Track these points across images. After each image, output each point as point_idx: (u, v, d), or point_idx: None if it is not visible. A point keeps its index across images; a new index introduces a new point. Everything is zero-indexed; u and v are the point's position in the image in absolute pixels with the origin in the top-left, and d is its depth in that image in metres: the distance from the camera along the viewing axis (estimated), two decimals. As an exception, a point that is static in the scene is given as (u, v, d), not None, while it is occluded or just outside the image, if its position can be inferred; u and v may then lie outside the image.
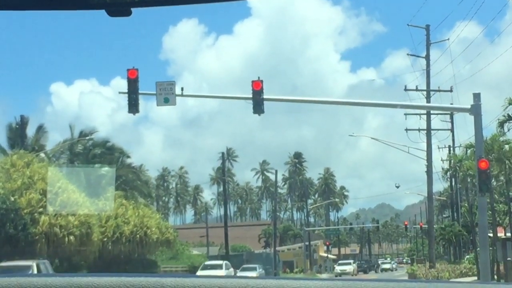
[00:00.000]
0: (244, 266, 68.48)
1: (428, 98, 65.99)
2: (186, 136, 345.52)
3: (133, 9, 3.11)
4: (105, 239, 55.21)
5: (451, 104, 59.95)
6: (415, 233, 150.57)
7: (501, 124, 46.57)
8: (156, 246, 64.04)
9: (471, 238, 67.21)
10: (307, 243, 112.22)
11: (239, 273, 58.82)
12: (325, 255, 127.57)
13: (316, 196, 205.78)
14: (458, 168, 63.16)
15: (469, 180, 59.00)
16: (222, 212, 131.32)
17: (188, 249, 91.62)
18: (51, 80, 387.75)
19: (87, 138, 69.96)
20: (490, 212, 48.12)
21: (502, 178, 50.64)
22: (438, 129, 74.37)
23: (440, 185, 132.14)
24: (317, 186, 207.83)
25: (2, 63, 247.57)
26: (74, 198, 46.48)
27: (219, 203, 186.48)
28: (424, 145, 67.04)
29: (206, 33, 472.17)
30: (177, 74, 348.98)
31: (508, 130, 46.87)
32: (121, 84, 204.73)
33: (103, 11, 3.08)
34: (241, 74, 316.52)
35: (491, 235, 46.29)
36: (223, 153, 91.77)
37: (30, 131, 67.43)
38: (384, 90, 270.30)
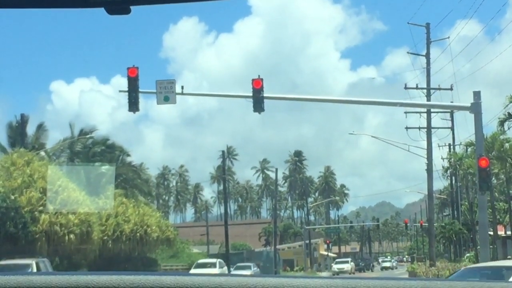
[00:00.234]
0: (239, 264, 68.13)
1: (428, 96, 65.95)
2: (186, 135, 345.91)
3: (132, 7, 3.10)
4: (105, 237, 55.24)
5: (451, 102, 59.92)
6: (415, 231, 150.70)
7: (502, 123, 46.57)
8: (157, 244, 64.06)
9: (472, 236, 67.30)
10: (307, 241, 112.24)
11: (233, 272, 58.55)
12: (326, 253, 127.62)
13: (317, 194, 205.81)
14: (458, 166, 63.33)
15: (469, 178, 59.06)
16: (222, 210, 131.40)
17: (189, 247, 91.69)
18: (51, 78, 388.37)
19: (87, 136, 69.98)
20: (491, 210, 48.17)
21: (502, 176, 50.67)
22: (438, 127, 74.40)
23: (440, 183, 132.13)
24: (317, 184, 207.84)
25: (2, 62, 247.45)
26: (74, 197, 46.48)
27: (220, 201, 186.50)
28: (424, 143, 67.02)
29: (207, 31, 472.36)
30: (177, 72, 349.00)
31: (509, 128, 46.89)
32: (121, 82, 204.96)
33: (103, 9, 3.07)
34: (241, 73, 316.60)
35: (491, 233, 46.31)
36: (223, 152, 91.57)
37: (30, 129, 67.48)
38: (384, 88, 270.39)
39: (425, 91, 66.58)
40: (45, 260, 38.27)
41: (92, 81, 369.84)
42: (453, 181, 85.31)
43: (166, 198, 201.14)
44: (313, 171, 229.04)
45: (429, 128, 66.95)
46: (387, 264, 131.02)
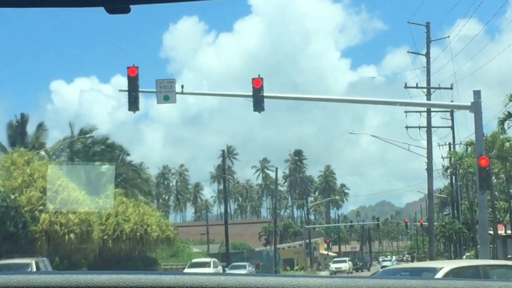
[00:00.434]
0: (234, 264, 67.84)
1: (428, 96, 65.96)
2: (186, 134, 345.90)
3: (132, 7, 3.10)
4: (106, 237, 55.25)
5: (452, 101, 59.93)
6: (416, 230, 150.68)
7: (502, 122, 46.58)
8: (157, 244, 64.07)
9: (472, 235, 67.30)
10: (307, 240, 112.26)
11: (228, 271, 58.24)
12: (326, 252, 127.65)
13: (317, 193, 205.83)
14: (458, 166, 63.29)
15: (469, 177, 59.06)
16: (222, 209, 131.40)
17: (189, 246, 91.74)
18: (51, 78, 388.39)
19: (87, 136, 70.01)
20: (491, 210, 48.17)
21: (502, 175, 50.67)
22: (438, 127, 74.37)
23: (440, 183, 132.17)
24: (317, 183, 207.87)
25: (2, 61, 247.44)
26: (74, 196, 46.48)
27: (220, 200, 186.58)
28: (424, 143, 67.02)
29: (207, 30, 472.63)
30: (177, 72, 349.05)
31: (509, 127, 46.89)
32: (121, 82, 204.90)
33: (103, 8, 3.08)
34: (241, 72, 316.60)
35: (491, 232, 46.31)
36: (223, 151, 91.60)
37: (30, 129, 67.53)
38: (384, 88, 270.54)
39: (425, 90, 66.60)
40: (45, 259, 38.26)
41: (92, 80, 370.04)
42: (453, 180, 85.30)
43: (166, 197, 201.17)
44: (313, 171, 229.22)
45: (429, 127, 66.96)
46: (387, 264, 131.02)
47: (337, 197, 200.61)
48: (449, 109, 67.81)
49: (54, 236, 46.75)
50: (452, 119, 78.57)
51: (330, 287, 3.02)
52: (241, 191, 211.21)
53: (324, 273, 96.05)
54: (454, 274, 15.33)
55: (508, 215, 52.67)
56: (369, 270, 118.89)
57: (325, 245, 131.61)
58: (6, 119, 66.10)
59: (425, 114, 66.74)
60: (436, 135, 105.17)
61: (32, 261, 35.13)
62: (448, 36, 76.50)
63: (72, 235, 47.37)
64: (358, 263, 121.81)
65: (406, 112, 67.73)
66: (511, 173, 48.10)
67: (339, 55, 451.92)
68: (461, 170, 64.34)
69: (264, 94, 33.52)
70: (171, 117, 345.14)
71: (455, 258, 77.47)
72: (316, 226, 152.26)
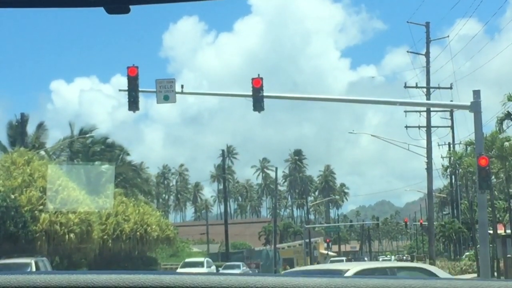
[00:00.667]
0: (227, 264, 67.56)
1: (428, 95, 66.00)
2: (186, 134, 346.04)
3: (132, 7, 3.10)
4: (105, 236, 55.23)
5: (451, 101, 59.94)
6: (415, 230, 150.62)
7: (500, 122, 46.54)
8: (157, 243, 64.05)
9: (471, 235, 67.24)
10: (307, 240, 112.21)
11: (221, 271, 57.85)
12: (326, 252, 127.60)
13: (316, 193, 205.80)
14: (458, 165, 63.23)
15: (469, 177, 59.02)
16: (222, 209, 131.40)
17: (189, 246, 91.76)
18: (51, 77, 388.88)
19: (87, 135, 69.98)
20: (490, 209, 48.13)
21: (502, 175, 50.64)
22: (438, 126, 74.45)
23: (440, 182, 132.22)
24: (317, 183, 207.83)
25: (2, 61, 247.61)
26: (74, 196, 46.47)
27: (219, 200, 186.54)
28: (424, 142, 67.07)
29: (206, 30, 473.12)
30: (177, 71, 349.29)
31: (508, 127, 46.84)
32: (121, 81, 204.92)
33: (103, 8, 3.08)
34: (241, 72, 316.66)
35: (491, 232, 46.28)
36: (223, 151, 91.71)
37: (31, 128, 67.55)
38: (384, 87, 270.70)
39: (425, 90, 66.64)
40: (44, 259, 38.27)
41: (92, 80, 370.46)
42: (453, 180, 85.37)
43: (166, 197, 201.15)
44: (313, 170, 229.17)
45: (428, 127, 66.98)
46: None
47: (337, 197, 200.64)
48: (448, 109, 67.88)
49: (54, 236, 46.73)
50: (452, 119, 78.69)
51: (330, 287, 3.03)
52: (241, 190, 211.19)
53: None
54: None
55: (507, 214, 52.63)
56: None
57: (325, 244, 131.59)
58: (6, 119, 66.29)
59: (424, 113, 66.77)
60: (435, 135, 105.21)
61: (31, 261, 35.13)
62: (448, 36, 76.52)
63: (72, 235, 47.34)
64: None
65: (405, 111, 67.78)
66: (511, 172, 48.06)
67: (339, 55, 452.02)
68: (460, 170, 64.25)
69: (264, 94, 33.50)
70: (171, 117, 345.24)
71: (454, 258, 77.55)
72: (316, 226, 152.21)
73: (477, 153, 33.72)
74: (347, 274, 15.18)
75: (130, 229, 57.84)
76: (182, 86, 35.80)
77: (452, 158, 69.41)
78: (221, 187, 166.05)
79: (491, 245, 44.59)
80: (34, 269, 32.89)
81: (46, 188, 45.26)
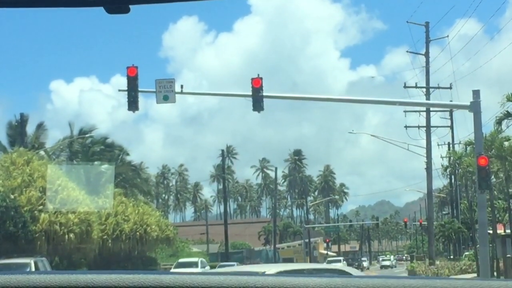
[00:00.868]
0: (221, 264, 67.47)
1: (427, 95, 66.00)
2: (186, 134, 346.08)
3: (132, 7, 3.10)
4: (105, 236, 55.21)
5: (451, 101, 59.94)
6: (415, 230, 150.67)
7: (499, 122, 46.50)
8: (156, 243, 64.03)
9: (471, 235, 67.27)
10: (307, 240, 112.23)
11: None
12: (325, 252, 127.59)
13: (316, 193, 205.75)
14: (457, 165, 63.21)
15: (468, 177, 59.02)
16: (222, 209, 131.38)
17: (188, 246, 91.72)
18: (51, 77, 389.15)
19: (86, 135, 69.94)
20: (490, 209, 48.12)
21: (501, 175, 50.62)
22: (437, 126, 74.48)
23: (439, 182, 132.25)
24: (317, 183, 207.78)
25: (1, 61, 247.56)
26: (74, 196, 46.45)
27: (219, 200, 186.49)
28: (423, 142, 67.11)
29: (206, 30, 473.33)
30: (176, 71, 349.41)
31: (508, 127, 46.81)
32: (121, 81, 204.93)
33: (102, 8, 3.08)
34: (241, 72, 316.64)
35: (490, 232, 46.27)
36: (223, 151, 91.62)
37: (30, 129, 67.52)
38: (384, 87, 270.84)
39: (424, 90, 66.65)
40: (44, 259, 38.27)
41: (91, 80, 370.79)
42: (453, 180, 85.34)
43: (166, 197, 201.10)
44: (313, 170, 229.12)
45: (428, 127, 66.99)
46: (387, 263, 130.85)
47: (336, 197, 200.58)
48: (448, 109, 67.85)
49: (54, 236, 46.73)
50: (451, 119, 78.69)
51: (329, 287, 3.03)
52: (240, 190, 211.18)
53: None
54: None
55: (507, 214, 52.62)
56: (362, 270, 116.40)
57: (325, 244, 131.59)
58: (5, 119, 66.27)
59: (424, 113, 66.79)
60: (435, 135, 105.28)
61: (31, 261, 35.13)
62: (447, 36, 76.36)
63: (71, 235, 47.34)
64: (354, 263, 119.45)
65: (405, 111, 67.78)
66: (510, 172, 48.04)
67: (338, 55, 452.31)
68: (460, 170, 64.22)
69: (264, 94, 33.49)
70: (171, 117, 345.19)
71: (454, 258, 77.54)
72: (316, 226, 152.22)
73: (477, 153, 33.71)
74: None
75: (129, 229, 57.82)
76: (181, 86, 35.79)
77: (451, 158, 69.39)
78: (220, 187, 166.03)
79: (490, 245, 44.58)
80: (33, 269, 32.88)
81: (45, 188, 45.25)
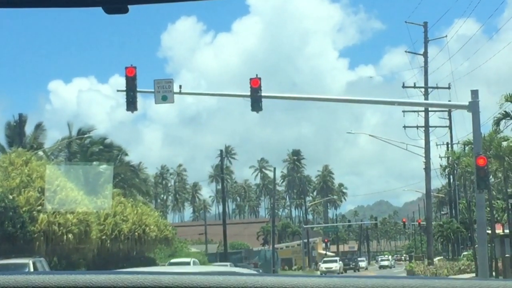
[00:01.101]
0: (214, 264, 67.33)
1: (426, 95, 66.04)
2: (184, 134, 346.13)
3: (130, 7, 3.10)
4: (104, 237, 55.17)
5: (449, 101, 60.01)
6: (414, 230, 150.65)
7: (497, 122, 46.54)
8: (155, 243, 63.96)
9: (470, 235, 67.29)
10: (305, 240, 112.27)
11: None
12: (324, 252, 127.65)
13: (315, 193, 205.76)
14: (456, 165, 63.26)
15: (467, 176, 59.05)
16: (220, 209, 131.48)
17: (187, 246, 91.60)
18: (49, 78, 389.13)
19: (85, 136, 69.88)
20: (488, 209, 48.14)
21: (500, 175, 50.65)
22: (436, 126, 74.53)
23: (438, 182, 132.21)
24: (315, 183, 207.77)
25: (0, 61, 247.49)
26: (73, 196, 46.39)
27: (218, 200, 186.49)
28: (422, 142, 67.12)
29: (205, 30, 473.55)
30: (175, 72, 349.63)
31: (506, 127, 46.86)
32: (120, 82, 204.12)
33: (101, 8, 3.08)
34: (239, 72, 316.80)
35: (489, 231, 46.30)
36: (221, 151, 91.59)
37: (29, 129, 67.48)
38: (382, 87, 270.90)
39: (423, 90, 66.67)
40: (42, 259, 38.22)
41: (90, 80, 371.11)
42: (451, 180, 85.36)
43: (165, 197, 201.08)
44: (311, 170, 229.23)
45: (427, 127, 67.03)
46: (385, 263, 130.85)
47: (335, 197, 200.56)
48: (446, 109, 67.86)
49: (52, 236, 46.67)
50: (450, 119, 78.74)
51: (328, 287, 3.03)
52: (239, 191, 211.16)
53: (319, 272, 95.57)
54: None
55: (506, 214, 52.66)
56: (358, 271, 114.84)
57: (323, 244, 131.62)
58: (4, 119, 66.11)
59: (422, 113, 66.82)
60: (434, 135, 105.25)
61: (29, 261, 35.08)
62: (446, 36, 76.39)
63: (70, 235, 47.29)
64: (351, 263, 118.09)
65: (404, 111, 67.82)
66: (509, 172, 48.09)
67: (337, 55, 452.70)
68: (459, 170, 64.31)
69: (262, 94, 33.49)
70: (169, 117, 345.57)
71: (453, 258, 77.54)
72: (314, 226, 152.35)
73: (475, 153, 33.73)
74: None
75: (128, 230, 57.77)
76: (180, 86, 35.80)
77: (450, 158, 69.44)
78: (219, 187, 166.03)
79: (489, 245, 44.61)
80: (32, 269, 32.87)
81: (44, 188, 45.19)
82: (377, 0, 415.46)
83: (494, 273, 48.47)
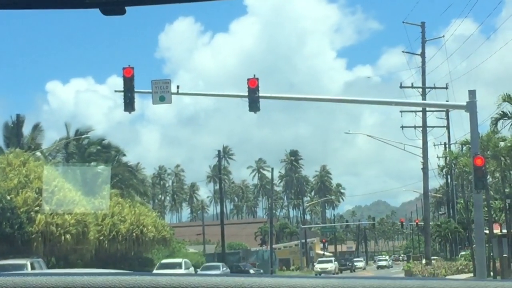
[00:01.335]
0: (206, 264, 66.87)
1: (423, 95, 66.05)
2: (182, 134, 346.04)
3: (128, 8, 3.10)
4: (102, 237, 55.16)
5: (447, 101, 60.00)
6: (411, 230, 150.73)
7: (495, 122, 46.57)
8: (153, 244, 63.93)
9: (467, 235, 67.31)
10: (303, 240, 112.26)
11: (200, 273, 56.01)
12: (322, 252, 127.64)
13: (312, 193, 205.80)
14: (454, 165, 63.27)
15: (465, 177, 59.07)
16: (218, 210, 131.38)
17: (185, 247, 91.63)
18: (47, 78, 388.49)
19: (83, 136, 69.86)
20: (486, 209, 48.17)
21: (497, 175, 50.68)
22: (433, 126, 74.56)
23: (436, 182, 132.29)
24: (313, 183, 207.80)
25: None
26: (70, 197, 46.37)
27: (216, 201, 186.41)
28: (420, 142, 67.15)
29: (202, 31, 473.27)
30: (173, 72, 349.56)
31: (504, 127, 46.88)
32: (117, 82, 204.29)
33: (98, 9, 3.07)
34: (237, 72, 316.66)
35: (487, 232, 46.31)
36: (219, 151, 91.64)
37: (26, 129, 67.43)
38: (380, 88, 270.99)
39: (420, 90, 66.70)
40: (40, 260, 38.22)
41: (88, 81, 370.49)
42: (449, 180, 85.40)
43: (162, 198, 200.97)
44: (309, 171, 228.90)
45: (424, 127, 67.05)
46: (383, 263, 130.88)
47: (332, 197, 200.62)
48: (444, 109, 67.95)
49: (50, 237, 46.63)
50: (448, 119, 78.75)
51: (325, 287, 3.03)
52: (237, 191, 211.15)
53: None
54: None
55: (503, 214, 52.70)
56: (354, 271, 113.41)
57: (321, 245, 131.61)
58: (2, 120, 66.00)
59: (420, 114, 66.86)
60: (431, 135, 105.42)
61: (27, 262, 35.08)
62: (443, 36, 76.71)
63: (68, 236, 47.25)
64: (347, 263, 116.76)
65: (401, 112, 67.86)
66: (506, 172, 48.13)
67: (334, 55, 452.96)
68: (456, 170, 64.33)
69: (260, 94, 33.49)
70: (167, 117, 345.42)
71: (450, 258, 77.59)
72: (312, 226, 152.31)
73: (473, 153, 33.74)
74: None
75: (126, 230, 57.76)
76: (178, 87, 35.82)
77: (448, 158, 69.43)
78: (217, 187, 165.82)
79: (487, 245, 44.63)
80: (29, 270, 32.84)
81: (42, 189, 45.17)
82: (374, 0, 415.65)
83: (492, 273, 48.49)
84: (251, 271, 68.92)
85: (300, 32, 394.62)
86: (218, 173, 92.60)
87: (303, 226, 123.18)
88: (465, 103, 34.43)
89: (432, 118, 75.93)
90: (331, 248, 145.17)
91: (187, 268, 55.60)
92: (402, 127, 67.94)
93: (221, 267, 62.69)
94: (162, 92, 34.56)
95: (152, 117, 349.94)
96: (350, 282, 3.04)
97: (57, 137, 76.42)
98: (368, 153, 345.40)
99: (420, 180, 70.47)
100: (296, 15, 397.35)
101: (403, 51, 71.53)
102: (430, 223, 76.71)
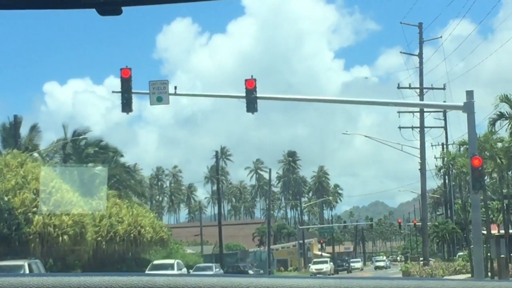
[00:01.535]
0: (199, 265, 66.81)
1: (421, 96, 66.09)
2: (180, 135, 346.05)
3: (125, 8, 3.10)
4: (99, 238, 55.12)
5: (444, 101, 60.01)
6: (409, 230, 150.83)
7: (492, 123, 46.60)
8: (150, 245, 63.90)
9: (465, 235, 67.37)
10: (301, 241, 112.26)
11: (193, 273, 55.68)
12: (319, 253, 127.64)
13: (310, 194, 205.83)
14: (451, 166, 63.33)
15: (462, 177, 59.11)
16: (216, 210, 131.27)
17: (182, 248, 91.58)
18: (44, 79, 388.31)
19: (80, 137, 69.84)
20: (484, 210, 48.20)
21: (495, 175, 50.71)
22: (431, 127, 74.66)
23: (433, 183, 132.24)
24: (311, 184, 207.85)
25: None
26: (68, 198, 46.34)
27: (213, 201, 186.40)
28: (417, 143, 67.20)
29: (200, 32, 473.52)
30: (170, 73, 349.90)
31: (501, 127, 46.92)
32: (115, 83, 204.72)
33: (95, 10, 3.07)
34: (234, 73, 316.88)
35: (484, 232, 46.34)
36: (217, 152, 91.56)
37: (24, 130, 67.38)
38: (377, 88, 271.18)
39: (418, 90, 66.75)
40: (37, 261, 38.18)
41: (85, 82, 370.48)
42: (447, 181, 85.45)
43: (160, 198, 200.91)
44: (307, 171, 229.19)
45: (422, 127, 67.08)
46: (381, 264, 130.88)
47: (330, 198, 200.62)
48: (442, 110, 67.98)
49: (48, 238, 46.59)
50: (445, 120, 78.85)
51: (323, 288, 3.02)
52: (234, 192, 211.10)
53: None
54: None
55: (501, 215, 52.72)
56: (350, 272, 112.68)
57: (319, 245, 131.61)
58: (-1, 121, 66.09)
59: (418, 114, 66.90)
60: (429, 135, 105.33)
61: (25, 263, 35.04)
62: (441, 37, 76.78)
63: (65, 237, 47.21)
64: (343, 264, 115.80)
65: (399, 112, 67.92)
66: (504, 173, 48.16)
67: (332, 56, 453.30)
68: (454, 170, 64.37)
69: (257, 95, 33.49)
70: (165, 118, 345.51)
71: (448, 258, 77.59)
72: (310, 227, 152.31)
73: (471, 154, 33.75)
74: None
75: (123, 231, 57.73)
76: (175, 88, 35.80)
77: (445, 158, 69.51)
78: (214, 188, 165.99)
79: (484, 246, 44.62)
80: (27, 271, 32.82)
81: (39, 190, 45.14)
82: (372, 1, 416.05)
83: (489, 274, 48.49)
84: (250, 271, 68.94)
85: (298, 33, 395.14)
86: (216, 174, 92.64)
87: (300, 227, 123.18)
88: (462, 104, 34.45)
89: (430, 119, 75.97)
90: (329, 249, 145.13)
91: (179, 269, 55.45)
92: (400, 127, 68.02)
93: (213, 267, 62.76)
94: (159, 93, 34.56)
95: (149, 118, 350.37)
96: (347, 283, 3.04)
97: (54, 138, 76.49)
98: (365, 153, 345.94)
99: (418, 181, 70.58)
100: (293, 16, 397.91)
101: (400, 52, 71.64)
102: (428, 223, 76.78)
